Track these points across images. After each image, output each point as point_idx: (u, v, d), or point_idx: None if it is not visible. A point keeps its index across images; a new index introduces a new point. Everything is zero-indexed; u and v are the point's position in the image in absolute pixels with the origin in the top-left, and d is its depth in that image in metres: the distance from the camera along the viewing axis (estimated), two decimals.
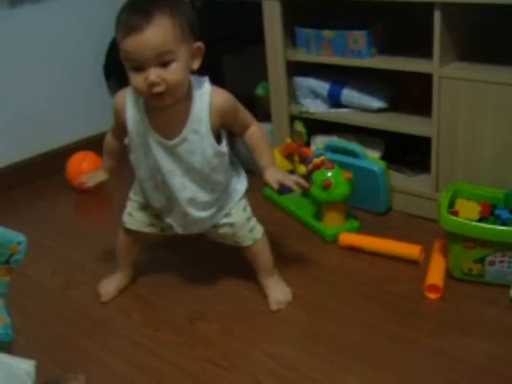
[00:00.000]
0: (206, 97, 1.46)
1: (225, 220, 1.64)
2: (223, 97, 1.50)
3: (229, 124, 1.54)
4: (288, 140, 2.17)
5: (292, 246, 1.95)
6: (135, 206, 1.69)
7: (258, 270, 1.71)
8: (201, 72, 2.43)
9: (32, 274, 1.91)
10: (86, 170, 2.42)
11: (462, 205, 1.70)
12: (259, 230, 1.68)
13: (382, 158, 2.14)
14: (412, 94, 2.12)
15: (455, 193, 1.75)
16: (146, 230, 1.71)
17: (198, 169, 1.52)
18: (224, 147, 1.54)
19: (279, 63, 2.20)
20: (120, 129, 1.59)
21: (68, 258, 1.99)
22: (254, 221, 1.68)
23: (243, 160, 2.42)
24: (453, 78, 1.81)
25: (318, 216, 2.00)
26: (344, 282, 1.76)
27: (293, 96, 2.28)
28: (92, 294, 1.81)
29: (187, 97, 1.45)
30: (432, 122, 1.89)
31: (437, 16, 1.76)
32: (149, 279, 1.85)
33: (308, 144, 2.19)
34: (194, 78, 1.47)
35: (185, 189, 1.54)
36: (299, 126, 2.07)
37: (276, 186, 1.57)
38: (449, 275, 1.70)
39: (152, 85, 1.35)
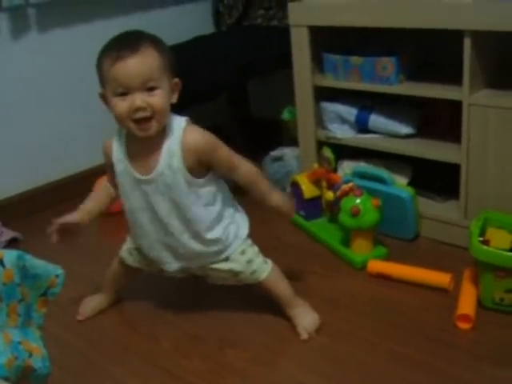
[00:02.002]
0: (179, 132, 1.49)
1: (223, 265, 1.64)
2: (196, 134, 1.51)
3: (208, 163, 1.53)
4: (315, 165, 2.17)
5: (320, 273, 1.95)
6: (134, 247, 1.73)
7: (278, 302, 1.70)
8: (226, 95, 2.47)
9: (60, 297, 1.91)
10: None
11: (492, 234, 1.69)
12: (262, 271, 1.65)
13: (410, 183, 2.14)
14: (440, 120, 2.12)
15: (486, 221, 1.73)
16: (146, 268, 1.76)
17: (178, 203, 1.53)
18: (202, 180, 1.54)
19: (307, 88, 2.21)
20: (111, 172, 1.62)
21: (96, 282, 1.99)
22: (256, 263, 1.65)
23: (272, 181, 2.44)
24: (482, 106, 1.80)
25: (347, 242, 2.00)
26: (373, 310, 1.75)
27: (320, 121, 2.28)
28: (121, 318, 1.82)
29: (163, 131, 1.50)
30: (461, 148, 1.88)
31: (467, 43, 1.76)
32: (178, 305, 1.85)
33: (335, 169, 2.19)
34: (172, 116, 1.52)
35: (171, 225, 1.57)
36: (327, 152, 2.08)
37: (279, 204, 1.62)
38: (479, 304, 1.68)
39: (137, 109, 1.42)
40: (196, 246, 1.59)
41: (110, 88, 1.44)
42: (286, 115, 2.48)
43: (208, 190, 1.56)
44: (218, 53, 2.47)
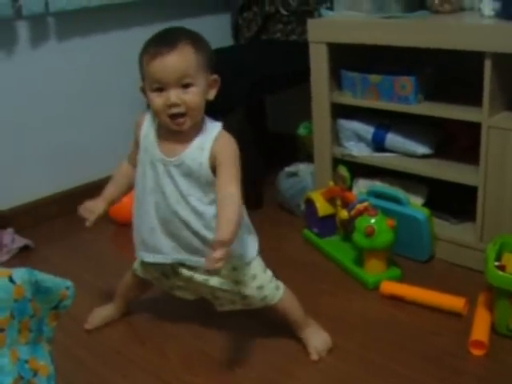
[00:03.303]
0: (215, 132, 1.51)
1: (232, 287, 1.61)
2: (228, 138, 1.52)
3: (217, 165, 1.49)
4: (331, 183, 2.15)
5: (331, 292, 1.93)
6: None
7: (289, 324, 1.68)
8: (243, 109, 2.46)
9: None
10: (127, 202, 2.42)
11: (509, 259, 1.66)
12: (273, 297, 1.62)
13: (425, 204, 2.11)
14: (458, 141, 2.10)
15: (502, 246, 1.70)
16: (155, 282, 1.75)
17: (189, 195, 1.52)
18: None
19: (324, 105, 2.19)
20: (136, 147, 1.63)
21: (106, 293, 1.98)
22: (267, 289, 1.61)
23: (284, 200, 2.43)
24: (502, 128, 1.78)
25: (359, 262, 1.98)
26: (385, 332, 1.72)
27: (336, 138, 2.26)
28: (130, 331, 1.81)
29: (198, 127, 1.52)
30: (479, 171, 1.86)
31: (487, 65, 1.75)
32: (189, 320, 1.83)
33: (350, 187, 2.16)
34: (206, 117, 1.54)
35: (181, 209, 1.53)
36: (343, 171, 2.06)
37: (215, 239, 1.37)
38: (493, 331, 1.65)
39: (172, 105, 1.44)
40: (195, 242, 1.56)
41: (148, 83, 1.47)
42: (301, 131, 2.47)
43: None
44: (236, 66, 2.46)
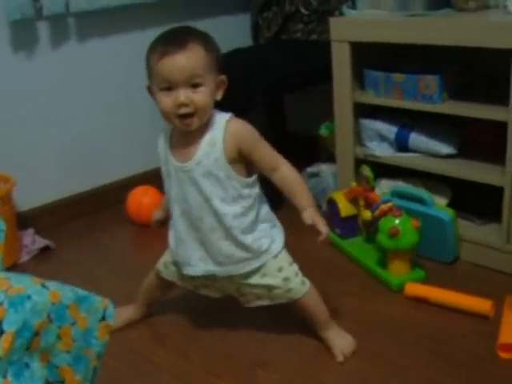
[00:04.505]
0: (222, 122, 1.50)
1: (259, 281, 1.60)
2: (239, 123, 1.52)
3: (248, 155, 1.51)
4: (353, 183, 2.12)
5: (354, 293, 1.90)
6: (170, 261, 1.71)
7: (312, 323, 1.66)
8: (262, 109, 2.44)
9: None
10: (147, 204, 2.43)
11: None
12: (298, 291, 1.61)
13: (449, 204, 2.08)
14: (483, 141, 2.06)
15: None
16: (180, 283, 1.73)
17: (213, 197, 1.50)
18: (245, 180, 1.52)
19: (346, 105, 2.17)
20: None
21: (127, 294, 1.96)
22: (293, 282, 1.60)
23: None
24: None
25: (383, 263, 1.95)
26: (410, 334, 1.69)
27: (358, 138, 2.24)
28: (151, 332, 1.80)
29: (206, 124, 1.50)
30: (505, 171, 1.82)
31: None
32: (211, 322, 1.81)
33: (372, 187, 2.14)
34: (216, 111, 1.52)
35: (203, 220, 1.54)
36: (366, 171, 2.03)
37: (309, 223, 1.51)
38: None
39: (181, 105, 1.43)
40: (225, 247, 1.55)
41: (156, 82, 1.45)
42: (323, 131, 2.45)
43: (250, 192, 1.54)
44: (256, 65, 2.44)
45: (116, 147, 2.72)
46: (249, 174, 1.54)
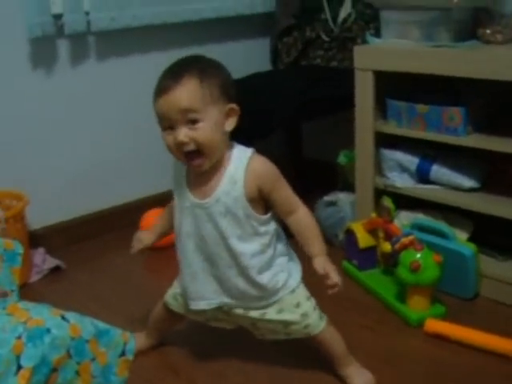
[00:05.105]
0: (244, 160, 1.44)
1: (275, 316, 1.55)
2: (262, 162, 1.46)
3: (268, 195, 1.46)
4: (373, 215, 2.08)
5: (372, 328, 1.85)
6: (179, 292, 1.66)
7: (329, 360, 1.61)
8: (276, 136, 2.41)
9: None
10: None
11: None
12: (316, 327, 1.56)
13: (470, 239, 2.04)
14: (507, 175, 2.02)
15: None
16: (190, 316, 1.69)
17: (229, 235, 1.46)
18: (262, 217, 1.48)
19: (368, 134, 2.13)
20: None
21: (137, 319, 1.92)
22: (311, 317, 1.55)
23: (321, 229, 2.36)
24: None
25: (402, 297, 1.90)
26: (429, 373, 1.64)
27: (378, 168, 2.20)
28: (162, 361, 1.75)
29: (225, 159, 1.45)
30: None
31: None
32: (224, 353, 1.76)
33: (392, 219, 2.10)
34: (236, 145, 1.48)
35: (219, 256, 1.49)
36: (388, 202, 1.99)
37: (321, 273, 1.46)
38: None
39: (181, 144, 1.38)
40: (240, 284, 1.51)
41: (158, 120, 1.42)
42: (342, 159, 2.41)
43: (267, 229, 1.49)
44: (275, 90, 2.41)
45: (129, 168, 2.69)
46: (265, 211, 1.50)
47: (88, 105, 2.50)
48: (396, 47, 2.05)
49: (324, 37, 2.68)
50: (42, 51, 2.33)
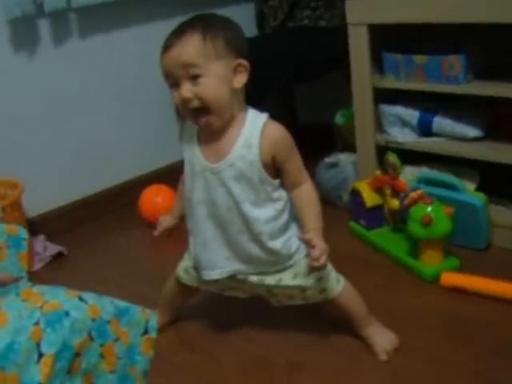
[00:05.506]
0: (259, 124, 1.39)
1: (290, 282, 1.51)
2: (277, 127, 1.41)
3: (281, 164, 1.42)
4: (378, 172, 2.04)
5: (387, 287, 1.82)
6: (191, 265, 1.62)
7: (349, 321, 1.58)
8: (268, 101, 2.36)
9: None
10: (160, 203, 2.35)
11: None
12: (333, 290, 1.53)
13: (477, 189, 2.00)
14: (509, 121, 1.98)
15: None
16: (203, 288, 1.65)
17: (243, 200, 1.42)
18: (275, 182, 1.43)
19: (365, 90, 2.08)
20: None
21: (147, 299, 1.87)
22: (327, 281, 1.52)
23: (324, 192, 2.32)
24: None
25: (414, 253, 1.87)
26: (451, 327, 1.61)
27: (378, 125, 2.15)
28: (179, 338, 1.72)
29: (239, 121, 1.41)
30: None
31: None
32: (239, 324, 1.73)
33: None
34: (249, 108, 1.44)
35: (232, 222, 1.46)
36: (393, 158, 1.94)
37: (310, 247, 1.40)
38: None
39: (185, 100, 1.35)
40: (253, 249, 1.47)
41: (164, 78, 1.39)
42: (339, 119, 2.36)
43: (280, 195, 1.45)
44: (265, 55, 2.35)
45: (124, 145, 2.63)
46: (276, 177, 1.46)
47: (74, 85, 2.43)
48: None
49: None
50: (23, 32, 2.26)
